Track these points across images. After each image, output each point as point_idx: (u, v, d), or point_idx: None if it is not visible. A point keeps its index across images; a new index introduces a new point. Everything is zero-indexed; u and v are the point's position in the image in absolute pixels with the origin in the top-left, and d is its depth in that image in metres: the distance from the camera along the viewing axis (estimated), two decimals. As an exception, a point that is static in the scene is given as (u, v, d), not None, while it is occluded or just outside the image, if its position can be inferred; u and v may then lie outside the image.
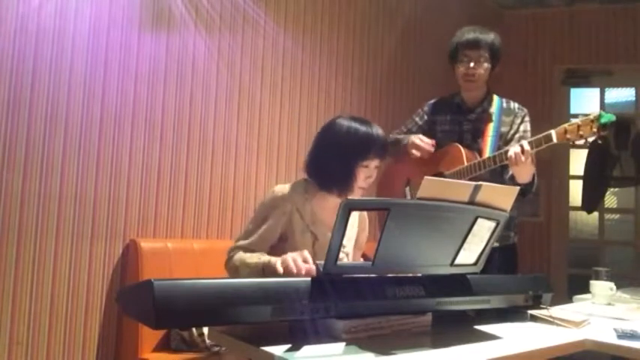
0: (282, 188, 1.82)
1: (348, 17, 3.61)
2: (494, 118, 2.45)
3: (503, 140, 2.42)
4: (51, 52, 2.33)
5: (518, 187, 1.57)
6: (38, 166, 2.29)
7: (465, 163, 2.33)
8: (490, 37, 2.44)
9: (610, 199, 4.77)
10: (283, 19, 3.23)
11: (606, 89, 4.71)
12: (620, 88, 4.77)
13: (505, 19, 4.92)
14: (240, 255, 1.73)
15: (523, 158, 2.11)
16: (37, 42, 2.30)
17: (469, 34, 2.44)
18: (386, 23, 3.87)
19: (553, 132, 2.10)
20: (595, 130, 1.99)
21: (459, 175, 2.34)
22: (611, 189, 4.63)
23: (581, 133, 2.03)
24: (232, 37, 2.98)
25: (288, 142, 3.23)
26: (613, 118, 1.99)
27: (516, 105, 2.51)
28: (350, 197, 1.78)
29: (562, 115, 4.54)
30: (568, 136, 2.06)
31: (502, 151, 2.23)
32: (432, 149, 2.45)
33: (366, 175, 1.78)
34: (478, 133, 2.44)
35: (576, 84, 4.72)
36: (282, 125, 3.21)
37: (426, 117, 2.60)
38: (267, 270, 1.63)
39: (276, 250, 1.80)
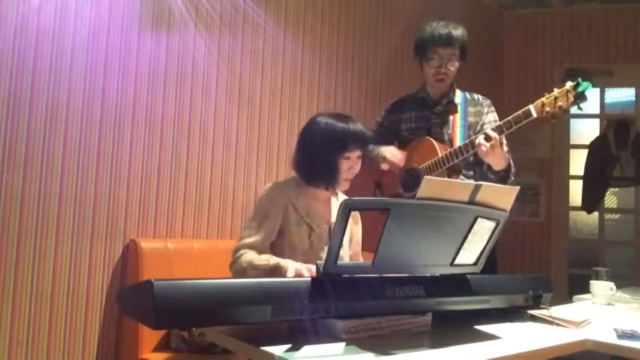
0: (276, 184, 1.92)
1: (348, 17, 3.61)
2: (459, 108, 2.44)
3: (473, 130, 2.41)
4: (51, 52, 2.33)
5: (518, 187, 1.57)
6: (38, 166, 2.29)
7: (440, 154, 2.32)
8: (460, 32, 2.39)
9: (610, 199, 4.77)
10: (283, 19, 3.23)
11: (606, 89, 4.71)
12: (620, 88, 4.76)
13: (505, 19, 4.91)
14: (247, 257, 1.75)
15: (489, 145, 2.09)
16: (37, 42, 2.30)
17: (441, 29, 2.37)
18: (386, 23, 3.87)
19: (531, 106, 2.10)
20: (572, 99, 2.00)
21: (432, 168, 2.32)
22: (611, 189, 4.63)
23: (559, 104, 2.04)
24: (232, 37, 2.98)
25: (288, 142, 3.22)
26: (590, 86, 2.00)
27: (480, 96, 2.50)
28: (346, 197, 1.80)
29: (562, 115, 4.54)
30: (547, 108, 2.06)
31: (471, 139, 2.22)
32: (402, 164, 2.43)
33: (349, 166, 1.85)
34: (447, 125, 2.43)
35: (576, 84, 4.71)
36: (282, 125, 3.21)
37: (389, 116, 2.59)
38: (276, 273, 1.65)
39: (274, 244, 1.83)
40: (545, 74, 4.74)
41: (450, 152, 2.27)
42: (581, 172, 4.54)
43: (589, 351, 1.53)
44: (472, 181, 1.40)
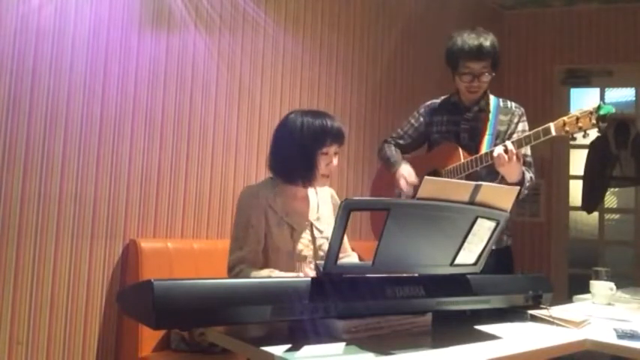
0: (251, 187, 1.92)
1: (348, 17, 3.61)
2: (491, 116, 2.42)
3: (501, 139, 2.39)
4: (51, 52, 2.33)
5: (518, 187, 1.57)
6: (38, 166, 2.29)
7: (462, 160, 2.32)
8: (490, 41, 2.34)
9: (610, 199, 4.77)
10: (283, 19, 3.22)
11: (606, 89, 4.71)
12: (620, 88, 4.76)
13: (505, 19, 4.91)
14: (246, 273, 1.73)
15: (507, 158, 2.10)
16: (37, 42, 2.30)
17: (472, 41, 2.31)
18: (386, 23, 3.87)
19: (552, 125, 2.09)
20: (594, 122, 1.99)
21: (454, 173, 2.33)
22: (611, 189, 4.63)
23: (580, 125, 2.02)
24: (232, 37, 2.98)
25: (288, 142, 3.22)
26: (612, 110, 1.98)
27: (513, 104, 2.49)
28: (330, 190, 1.91)
29: (562, 116, 4.53)
30: (567, 128, 2.05)
31: (489, 150, 2.22)
32: (411, 190, 2.40)
33: (327, 162, 1.84)
34: (475, 132, 2.42)
35: (576, 84, 4.72)
36: (282, 125, 3.21)
37: (421, 119, 2.57)
38: None
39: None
40: (545, 74, 4.74)
41: (471, 160, 2.28)
42: (581, 172, 4.54)
43: (589, 351, 1.53)
44: (472, 182, 1.40)
